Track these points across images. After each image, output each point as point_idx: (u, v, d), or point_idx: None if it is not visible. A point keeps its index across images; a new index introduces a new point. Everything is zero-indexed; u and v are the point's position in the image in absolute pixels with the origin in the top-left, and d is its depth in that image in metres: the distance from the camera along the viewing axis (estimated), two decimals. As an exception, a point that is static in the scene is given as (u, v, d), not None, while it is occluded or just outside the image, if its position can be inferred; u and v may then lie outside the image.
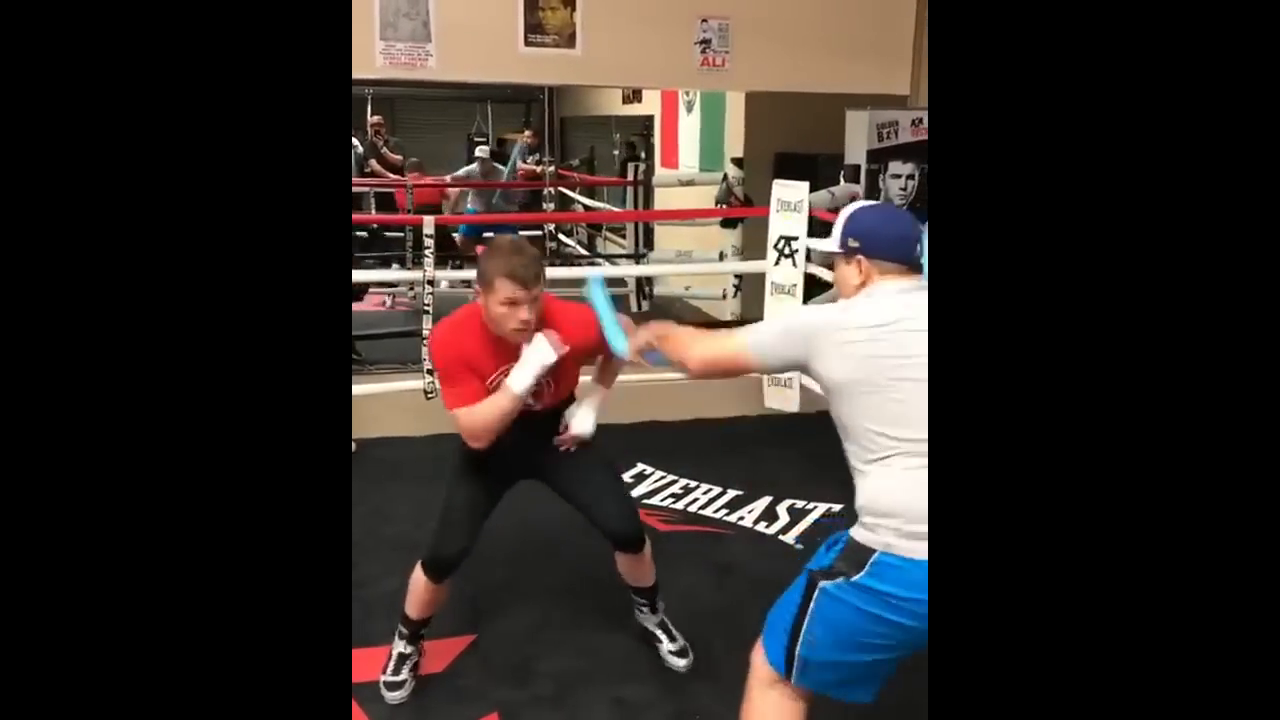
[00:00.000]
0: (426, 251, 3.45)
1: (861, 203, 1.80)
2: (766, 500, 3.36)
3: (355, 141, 7.36)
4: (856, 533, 1.49)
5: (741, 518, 3.24)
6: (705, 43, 4.27)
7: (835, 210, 4.11)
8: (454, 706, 2.16)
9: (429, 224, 3.53)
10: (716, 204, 5.54)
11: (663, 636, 2.41)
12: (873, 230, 1.60)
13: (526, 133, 8.04)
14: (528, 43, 4.10)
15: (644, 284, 5.88)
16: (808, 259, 3.67)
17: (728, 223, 5.22)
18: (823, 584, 1.51)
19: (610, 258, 6.80)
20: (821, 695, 1.62)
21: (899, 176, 4.45)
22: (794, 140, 5.58)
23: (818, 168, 4.55)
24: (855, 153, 4.43)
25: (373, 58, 3.87)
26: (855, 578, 1.45)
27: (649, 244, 7.25)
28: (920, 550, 1.37)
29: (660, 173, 7.41)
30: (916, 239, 1.58)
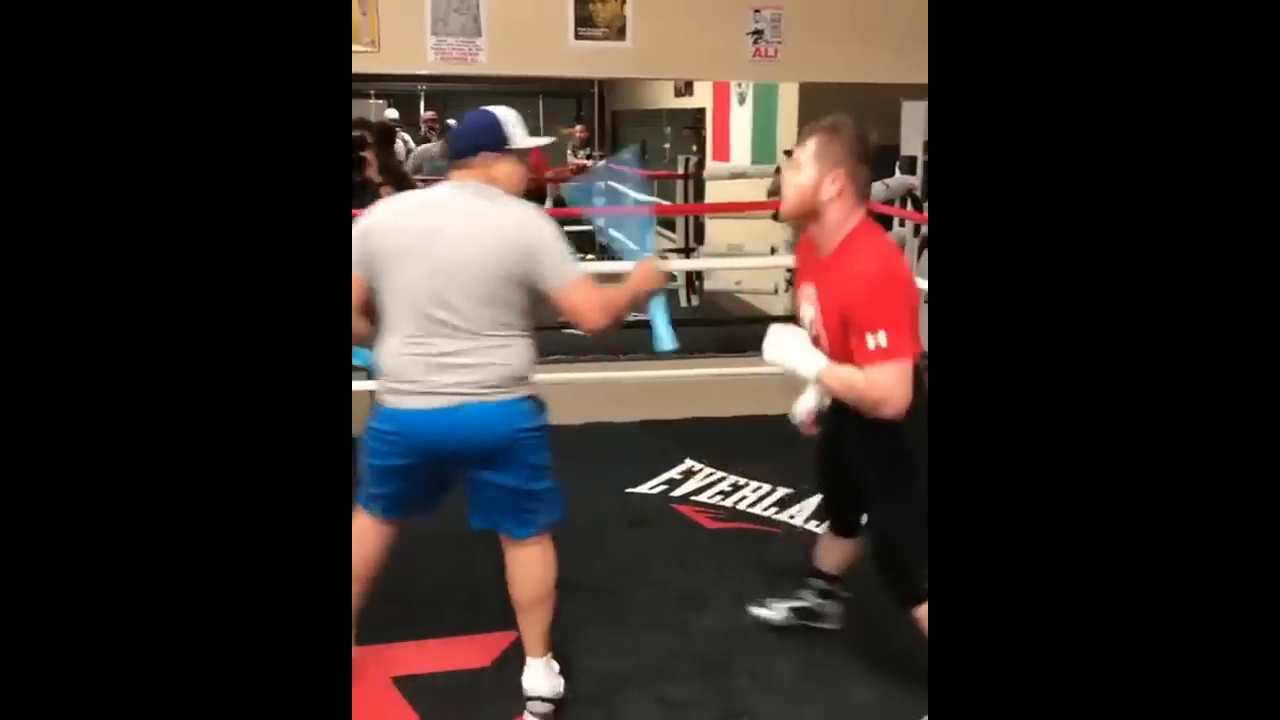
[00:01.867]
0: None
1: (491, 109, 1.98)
2: (818, 499, 3.30)
3: (405, 137, 7.44)
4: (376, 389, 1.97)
5: (792, 516, 3.19)
6: (758, 33, 4.21)
7: (889, 202, 4.05)
8: (500, 702, 2.15)
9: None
10: (768, 197, 5.46)
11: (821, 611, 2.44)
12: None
13: (577, 127, 8.03)
14: (578, 36, 4.08)
15: (693, 279, 5.83)
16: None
17: (778, 215, 5.16)
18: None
19: (661, 252, 6.76)
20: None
21: (956, 168, 4.35)
22: (848, 132, 5.49)
23: (880, 159, 4.47)
24: (912, 143, 4.35)
25: (424, 53, 3.88)
26: (369, 422, 1.94)
27: (700, 238, 7.20)
28: (404, 402, 1.89)
29: (711, 166, 7.35)
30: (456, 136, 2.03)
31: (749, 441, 3.88)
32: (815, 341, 1.90)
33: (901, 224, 4.11)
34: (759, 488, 3.41)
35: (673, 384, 4.16)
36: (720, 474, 3.53)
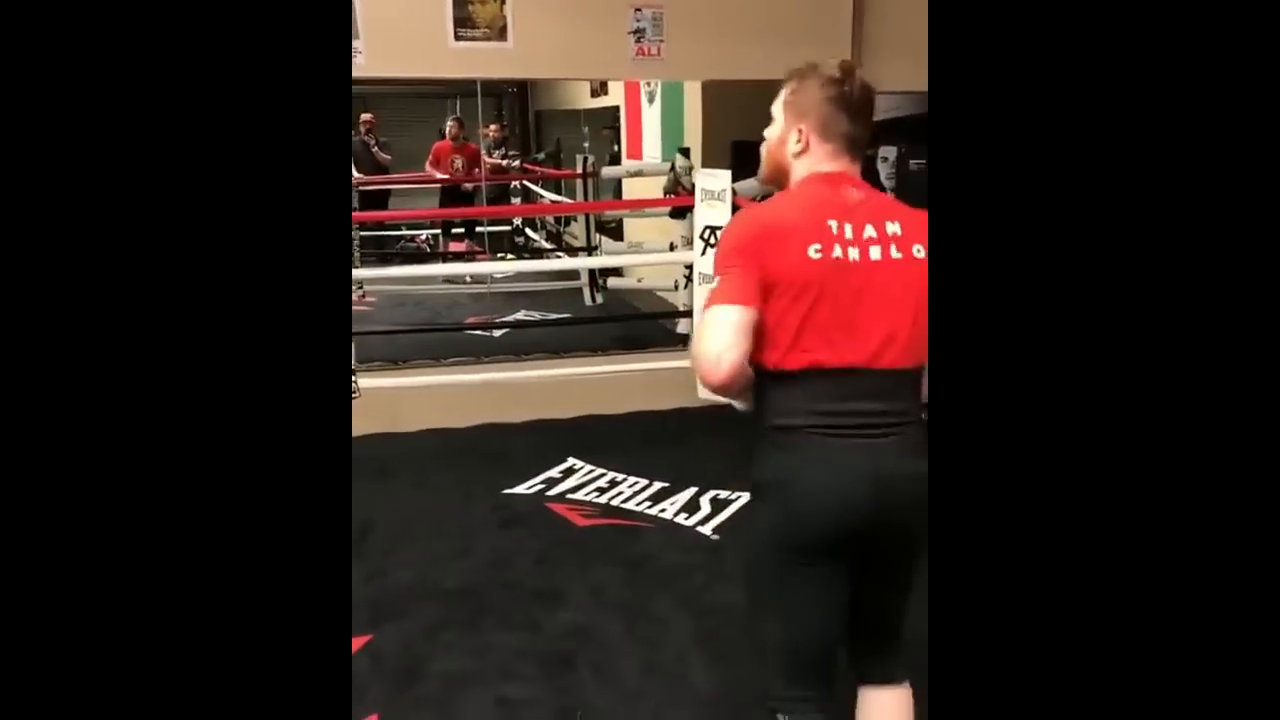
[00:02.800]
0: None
1: None
2: (691, 491, 3.33)
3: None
4: None
5: (664, 510, 3.22)
6: (639, 32, 4.22)
7: (765, 197, 4.09)
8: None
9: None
10: (664, 194, 5.49)
11: None
12: None
13: (492, 126, 8.01)
14: (458, 37, 4.06)
15: (596, 277, 5.84)
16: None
17: (677, 213, 5.18)
18: None
19: (573, 250, 6.77)
20: None
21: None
22: (749, 128, 5.52)
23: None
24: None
25: (299, 56, 3.84)
26: None
27: (620, 236, 7.22)
28: None
29: (628, 164, 7.37)
30: None
31: (634, 437, 3.91)
32: None
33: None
34: (635, 483, 3.43)
35: (566, 383, 4.16)
36: (600, 471, 3.55)
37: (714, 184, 3.59)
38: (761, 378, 1.46)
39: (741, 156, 5.49)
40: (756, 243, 1.41)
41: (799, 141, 1.48)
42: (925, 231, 1.44)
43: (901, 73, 4.50)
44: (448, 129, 7.64)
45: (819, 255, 1.39)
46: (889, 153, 4.37)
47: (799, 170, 1.50)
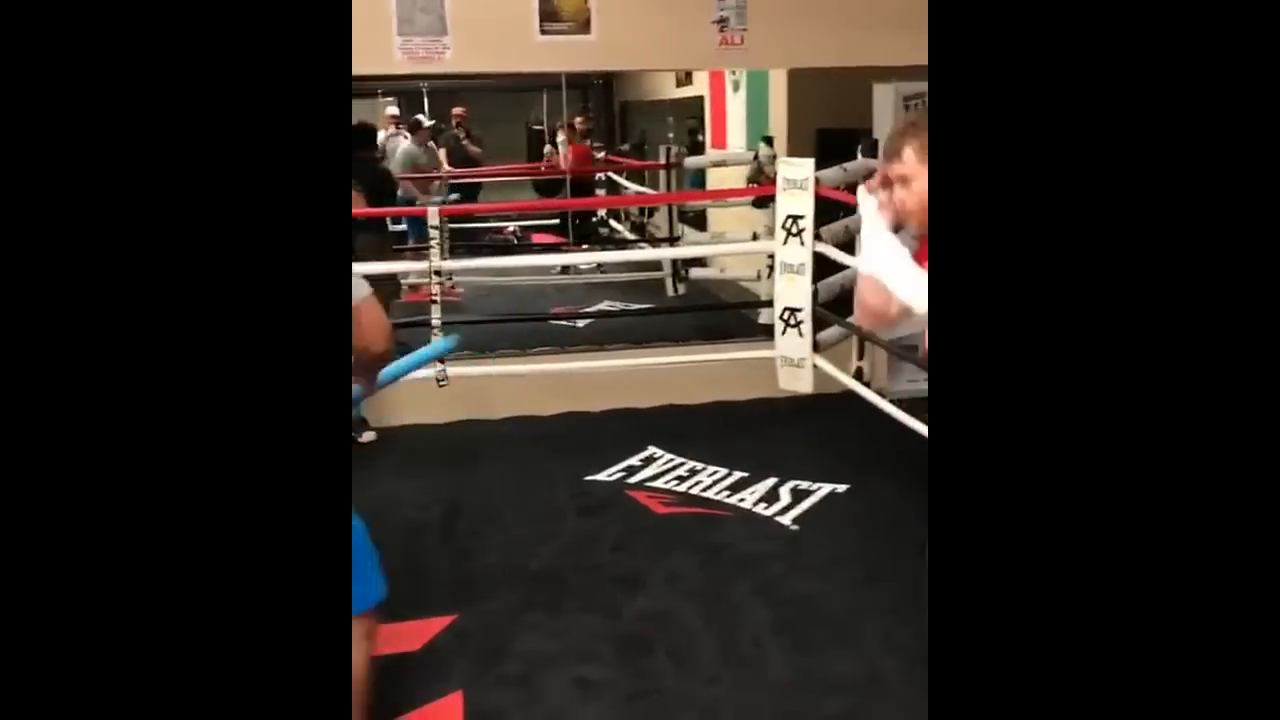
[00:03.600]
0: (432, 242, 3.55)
1: None
2: (771, 482, 3.33)
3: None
4: None
5: (743, 499, 3.23)
6: (723, 21, 4.22)
7: (849, 188, 4.04)
8: (421, 685, 2.23)
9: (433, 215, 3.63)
10: (748, 184, 5.47)
11: None
12: None
13: (578, 118, 8.09)
14: (543, 30, 4.12)
15: (679, 267, 5.86)
16: (817, 238, 3.60)
17: (760, 202, 5.15)
18: None
19: (656, 240, 6.79)
20: None
21: (927, 149, 4.32)
22: (835, 116, 5.46)
23: (858, 142, 4.46)
24: (882, 126, 4.32)
25: (391, 53, 3.96)
26: None
27: (703, 226, 7.22)
28: None
29: (711, 154, 7.37)
30: None
31: (713, 427, 3.92)
32: None
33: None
34: (715, 472, 3.44)
35: (648, 372, 4.21)
36: (679, 460, 3.57)
37: (797, 173, 3.56)
38: None
39: (826, 144, 5.44)
40: None
41: None
42: None
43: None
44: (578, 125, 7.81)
45: None
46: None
47: None
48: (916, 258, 1.73)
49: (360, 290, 1.63)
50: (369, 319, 1.65)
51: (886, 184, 1.62)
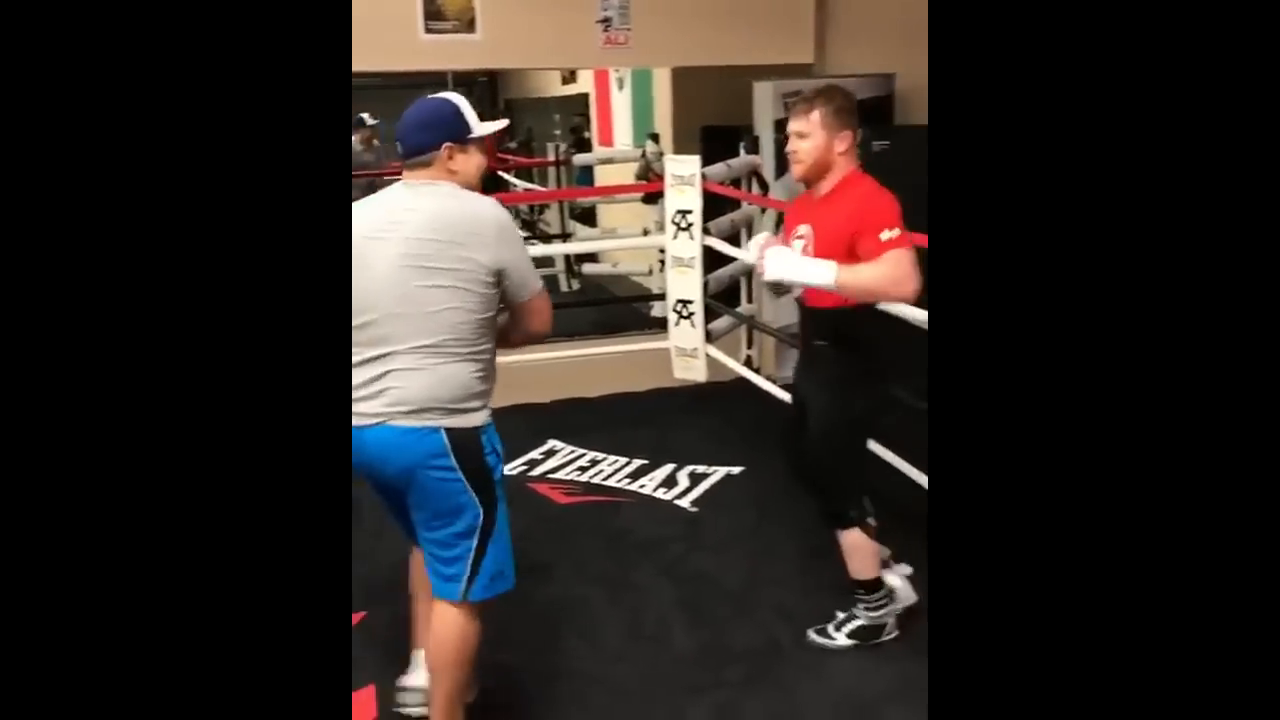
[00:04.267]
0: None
1: (442, 94, 1.84)
2: (669, 467, 3.45)
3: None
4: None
5: (643, 485, 3.33)
6: (606, 21, 4.31)
7: (733, 182, 4.19)
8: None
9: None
10: (636, 180, 5.58)
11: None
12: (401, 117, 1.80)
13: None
14: (428, 29, 4.13)
15: (572, 263, 5.93)
16: (705, 231, 3.73)
17: (649, 198, 5.27)
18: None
19: (548, 237, 6.84)
20: None
21: (806, 145, 4.51)
22: (718, 114, 5.62)
23: (741, 140, 4.61)
24: (764, 123, 4.49)
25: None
26: None
27: (593, 222, 7.29)
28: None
29: (599, 151, 7.44)
30: (408, 130, 1.77)
31: (612, 418, 4.01)
32: None
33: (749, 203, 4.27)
34: (615, 461, 3.54)
35: (540, 367, 4.26)
36: (580, 451, 3.65)
37: (684, 169, 3.68)
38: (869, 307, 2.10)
39: (711, 141, 5.59)
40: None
41: (843, 143, 2.09)
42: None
43: (862, 56, 4.62)
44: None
45: None
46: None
47: (840, 164, 2.10)
48: (789, 221, 2.24)
49: (537, 283, 1.85)
50: (540, 306, 1.89)
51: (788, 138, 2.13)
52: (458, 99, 1.81)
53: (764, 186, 4.34)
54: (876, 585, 2.28)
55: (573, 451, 3.65)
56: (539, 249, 6.56)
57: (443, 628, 1.89)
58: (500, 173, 7.94)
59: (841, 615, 2.34)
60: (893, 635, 2.31)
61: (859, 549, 2.25)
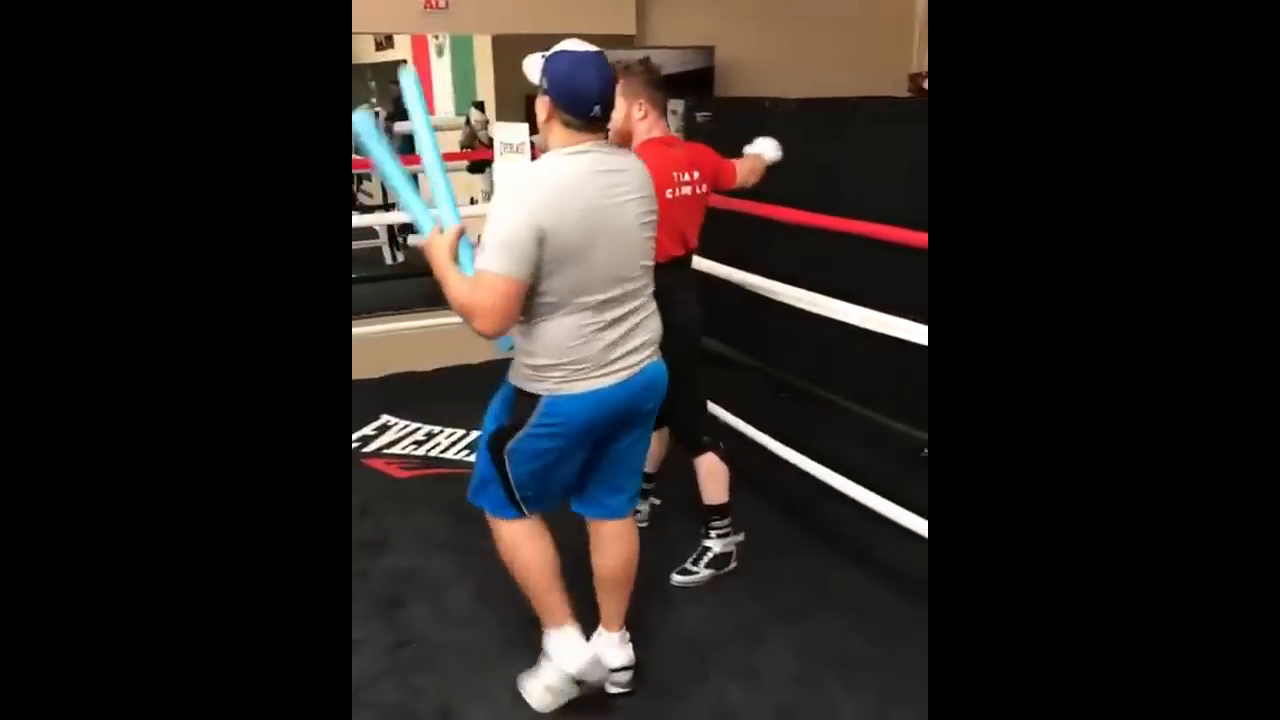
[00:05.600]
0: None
1: (574, 44, 1.81)
2: (508, 437, 3.45)
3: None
4: (523, 384, 1.82)
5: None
6: (427, -16, 4.20)
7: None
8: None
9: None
10: (461, 149, 5.49)
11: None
12: (559, 76, 1.75)
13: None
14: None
15: (395, 234, 5.77)
16: (536, 199, 3.74)
17: (475, 167, 5.20)
18: (509, 445, 1.87)
19: (369, 208, 6.60)
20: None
21: (631, 115, 4.59)
22: (541, 82, 5.61)
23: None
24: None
25: None
26: (531, 422, 1.81)
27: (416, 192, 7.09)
28: (580, 387, 1.77)
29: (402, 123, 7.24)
30: (597, 100, 1.72)
31: (447, 391, 3.96)
32: None
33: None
34: (453, 434, 3.51)
35: (373, 341, 4.14)
36: (415, 425, 3.59)
37: (512, 136, 3.66)
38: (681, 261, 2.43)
39: (534, 110, 5.57)
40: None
41: (640, 110, 2.31)
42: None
43: (684, 29, 4.73)
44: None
45: (671, 196, 2.24)
46: (677, 106, 4.58)
47: (641, 129, 2.32)
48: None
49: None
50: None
51: None
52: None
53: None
54: (727, 510, 2.50)
55: (407, 425, 3.59)
56: (359, 219, 6.36)
57: (629, 540, 2.05)
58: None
59: (694, 554, 2.54)
60: (734, 566, 2.53)
61: (714, 473, 2.46)
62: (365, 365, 4.18)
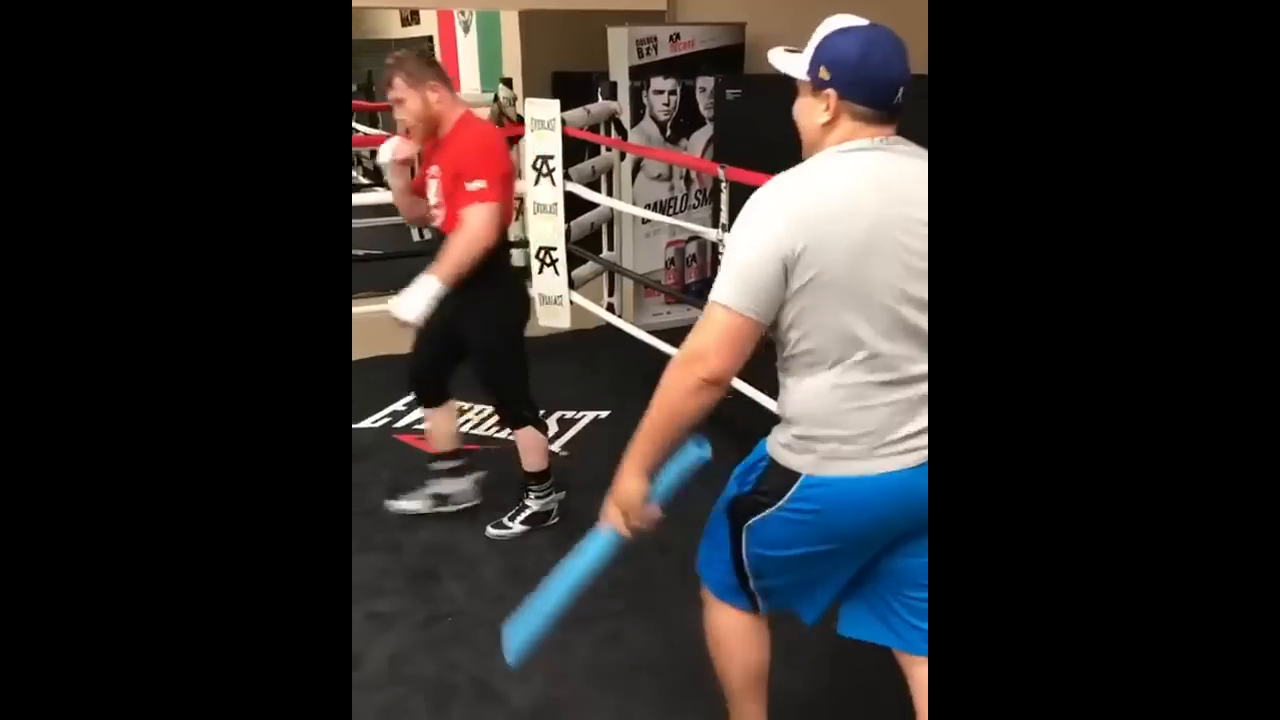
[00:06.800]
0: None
1: (846, 21, 1.38)
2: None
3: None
4: (778, 453, 1.40)
5: (512, 433, 3.33)
6: (456, -41, 4.18)
7: (592, 128, 4.20)
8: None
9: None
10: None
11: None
12: (848, 60, 1.32)
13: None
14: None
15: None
16: (566, 177, 3.73)
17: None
18: (750, 521, 1.46)
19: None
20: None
21: (661, 93, 4.56)
22: (570, 59, 5.58)
23: (593, 85, 4.60)
24: (618, 70, 4.50)
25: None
26: (781, 504, 1.38)
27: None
28: (855, 468, 1.31)
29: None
30: (900, 80, 1.33)
31: (476, 367, 3.98)
32: (437, 209, 2.43)
33: (607, 149, 4.29)
34: (482, 410, 3.52)
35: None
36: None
37: (544, 113, 3.65)
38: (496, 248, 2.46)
39: (562, 87, 5.54)
40: (506, 162, 2.46)
41: (434, 93, 2.33)
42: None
43: (714, 5, 4.69)
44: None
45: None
46: (706, 83, 4.55)
47: (444, 110, 2.35)
48: (426, 161, 2.47)
49: None
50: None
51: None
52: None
53: (622, 132, 4.36)
54: (545, 476, 2.68)
55: (438, 401, 3.61)
56: (389, 197, 6.37)
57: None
58: (342, 118, 7.61)
59: (514, 509, 2.71)
60: (556, 520, 2.70)
61: (534, 446, 2.65)
62: (395, 341, 4.20)
